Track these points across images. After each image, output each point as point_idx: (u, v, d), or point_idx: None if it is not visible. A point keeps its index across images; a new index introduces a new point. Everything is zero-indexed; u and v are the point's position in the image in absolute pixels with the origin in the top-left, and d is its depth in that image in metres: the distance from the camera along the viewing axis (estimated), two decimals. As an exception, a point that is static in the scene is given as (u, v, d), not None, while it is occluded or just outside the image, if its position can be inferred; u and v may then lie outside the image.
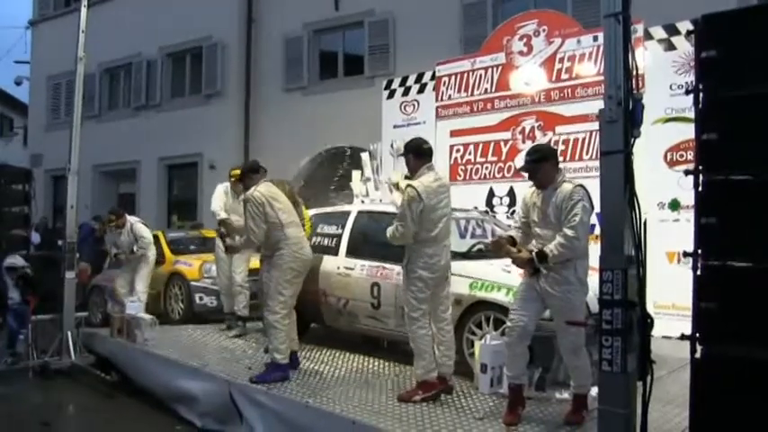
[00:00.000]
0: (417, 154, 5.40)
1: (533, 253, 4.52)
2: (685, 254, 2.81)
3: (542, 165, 4.68)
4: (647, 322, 3.42)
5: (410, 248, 5.22)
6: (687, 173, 2.86)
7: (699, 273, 2.78)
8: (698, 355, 2.75)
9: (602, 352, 3.38)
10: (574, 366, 4.69)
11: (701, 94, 2.77)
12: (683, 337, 2.83)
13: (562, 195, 4.50)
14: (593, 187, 7.86)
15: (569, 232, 4.37)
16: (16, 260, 8.67)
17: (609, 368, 3.34)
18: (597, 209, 7.85)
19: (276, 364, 5.87)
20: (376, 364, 6.57)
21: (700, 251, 2.77)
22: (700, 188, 2.79)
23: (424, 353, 5.22)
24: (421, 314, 5.23)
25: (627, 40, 3.41)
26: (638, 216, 3.36)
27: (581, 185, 4.54)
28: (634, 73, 3.42)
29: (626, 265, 3.33)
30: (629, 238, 3.34)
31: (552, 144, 8.67)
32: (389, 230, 5.27)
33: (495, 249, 4.91)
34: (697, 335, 2.75)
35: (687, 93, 2.83)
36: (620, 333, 3.29)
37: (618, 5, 3.40)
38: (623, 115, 3.35)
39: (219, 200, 8.16)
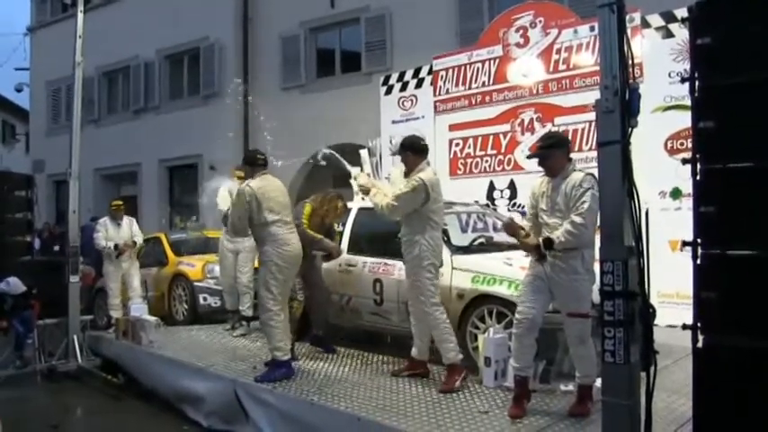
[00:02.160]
0: (416, 151, 5.54)
1: (540, 239, 4.54)
2: (685, 243, 2.80)
3: (553, 151, 4.69)
4: (649, 313, 3.41)
5: (417, 238, 5.34)
6: (685, 162, 2.85)
7: (699, 262, 2.77)
8: (700, 344, 2.75)
9: (604, 343, 3.38)
10: (579, 356, 4.69)
11: (696, 82, 2.76)
12: (684, 326, 2.83)
13: (572, 183, 4.51)
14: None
15: (577, 219, 4.37)
16: (8, 287, 8.65)
17: (612, 359, 3.34)
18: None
19: (278, 362, 5.87)
20: (380, 359, 6.57)
21: (699, 240, 2.76)
22: (698, 177, 2.78)
23: (450, 336, 5.37)
24: (438, 299, 5.41)
25: (622, 30, 3.39)
26: (637, 206, 3.35)
27: (591, 174, 4.49)
28: (630, 62, 3.39)
29: (626, 255, 3.32)
30: (629, 229, 3.33)
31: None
32: (383, 202, 5.40)
33: (508, 232, 4.92)
34: (698, 324, 2.74)
35: (683, 81, 2.82)
36: (622, 324, 3.29)
37: (612, -5, 3.38)
38: (620, 105, 3.34)
39: (226, 199, 8.19)
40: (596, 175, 4.49)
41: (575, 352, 4.72)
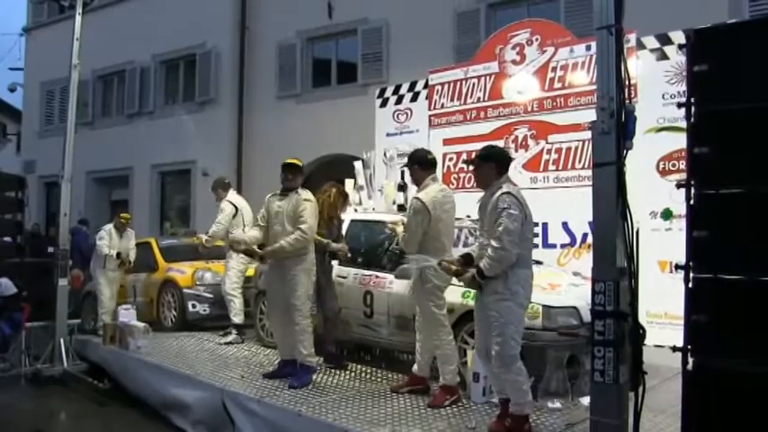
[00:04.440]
0: (422, 165, 5.55)
1: (474, 270, 4.53)
2: (677, 266, 2.83)
3: (483, 164, 4.72)
4: (639, 333, 3.43)
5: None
6: (679, 186, 2.88)
7: (690, 285, 2.79)
8: (689, 366, 2.77)
9: (594, 363, 3.39)
10: (501, 379, 4.62)
11: (692, 108, 2.79)
12: (674, 349, 2.85)
13: (492, 203, 4.50)
14: (587, 197, 7.87)
15: (494, 243, 4.36)
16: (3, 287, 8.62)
17: (601, 379, 3.35)
18: (591, 218, 7.92)
19: (308, 366, 6.03)
20: (367, 372, 6.56)
21: (691, 264, 2.78)
22: (692, 201, 2.81)
23: (453, 358, 5.39)
24: (445, 319, 5.40)
25: (619, 52, 3.43)
26: (630, 227, 3.37)
27: (508, 192, 4.47)
28: (627, 84, 3.43)
29: (618, 276, 3.34)
30: (622, 250, 3.35)
31: (545, 153, 8.72)
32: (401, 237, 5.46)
33: (449, 273, 4.97)
34: (689, 347, 2.77)
35: (679, 106, 2.85)
36: (612, 344, 3.31)
37: (611, 18, 3.42)
38: (616, 127, 3.37)
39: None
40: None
41: (498, 372, 4.60)
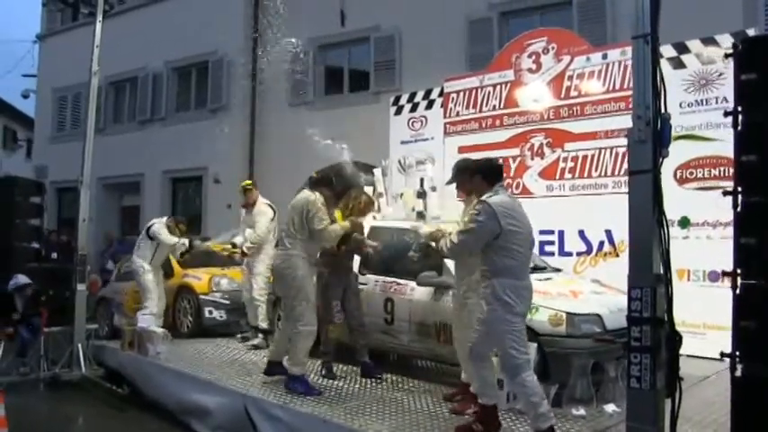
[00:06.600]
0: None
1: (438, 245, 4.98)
2: (724, 273, 2.84)
3: (473, 178, 4.98)
4: (675, 339, 3.44)
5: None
6: (726, 193, 2.89)
7: (738, 292, 2.81)
8: (738, 373, 2.78)
9: (630, 369, 3.40)
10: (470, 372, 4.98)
11: (740, 117, 2.81)
12: (722, 355, 2.86)
13: (471, 206, 4.84)
14: (608, 204, 7.86)
15: (453, 236, 4.77)
16: (20, 279, 8.67)
17: (637, 385, 3.36)
18: (607, 226, 7.90)
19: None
20: (389, 379, 6.53)
21: (739, 271, 2.80)
22: (739, 209, 2.82)
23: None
24: None
25: (655, 61, 3.45)
26: (666, 235, 3.39)
27: (484, 201, 4.57)
28: (663, 93, 3.45)
29: (655, 282, 3.35)
30: (659, 257, 3.37)
31: (561, 161, 8.76)
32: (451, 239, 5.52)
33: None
34: (737, 353, 2.78)
35: (726, 114, 2.87)
36: (649, 350, 3.32)
37: (647, 27, 3.44)
38: (652, 135, 3.39)
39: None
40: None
41: (471, 367, 4.85)
